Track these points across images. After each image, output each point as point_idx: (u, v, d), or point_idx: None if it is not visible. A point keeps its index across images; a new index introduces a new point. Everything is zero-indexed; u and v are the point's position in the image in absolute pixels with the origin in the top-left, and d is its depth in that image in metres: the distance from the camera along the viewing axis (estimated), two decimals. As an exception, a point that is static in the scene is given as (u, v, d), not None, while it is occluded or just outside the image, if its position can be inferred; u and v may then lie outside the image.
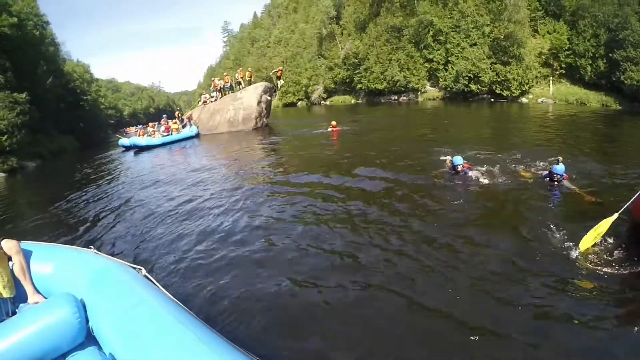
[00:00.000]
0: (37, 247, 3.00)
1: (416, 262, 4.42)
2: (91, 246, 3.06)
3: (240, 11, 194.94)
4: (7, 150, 21.07)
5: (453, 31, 29.84)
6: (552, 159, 6.88)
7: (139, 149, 19.59)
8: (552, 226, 4.84)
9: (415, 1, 33.37)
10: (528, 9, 26.44)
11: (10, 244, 2.74)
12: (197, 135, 21.03)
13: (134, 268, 2.79)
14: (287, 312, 3.76)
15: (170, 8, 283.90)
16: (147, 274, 2.74)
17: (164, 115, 24.37)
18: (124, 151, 21.03)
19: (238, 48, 69.12)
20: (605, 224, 4.30)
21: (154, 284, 2.59)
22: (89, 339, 2.42)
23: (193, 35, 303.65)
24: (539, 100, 24.52)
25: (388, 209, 6.21)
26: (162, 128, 21.33)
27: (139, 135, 21.97)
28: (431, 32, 31.34)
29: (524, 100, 25.55)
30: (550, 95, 24.51)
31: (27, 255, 2.84)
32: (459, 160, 7.32)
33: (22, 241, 2.91)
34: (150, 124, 25.79)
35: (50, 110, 30.29)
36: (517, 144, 11.08)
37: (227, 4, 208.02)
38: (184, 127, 21.71)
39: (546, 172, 6.76)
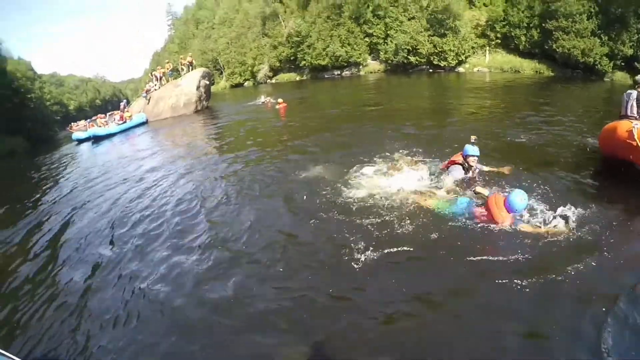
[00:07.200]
0: None
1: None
2: None
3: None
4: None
5: (392, 6, 30.19)
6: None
7: (96, 139, 20.15)
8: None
9: (356, -23, 33.17)
10: (465, -18, 26.86)
11: None
12: (147, 122, 22.66)
13: None
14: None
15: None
16: None
17: (124, 100, 26.11)
18: (77, 144, 20.82)
19: (183, 31, 65.18)
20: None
21: None
22: None
23: (136, 20, 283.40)
24: (475, 69, 25.52)
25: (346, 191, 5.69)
26: (117, 117, 22.56)
27: (89, 128, 22.84)
28: (370, 8, 31.54)
29: (460, 69, 26.53)
30: (485, 64, 25.40)
31: None
32: (473, 150, 5.23)
33: None
34: (99, 115, 26.93)
35: (-3, 112, 28.98)
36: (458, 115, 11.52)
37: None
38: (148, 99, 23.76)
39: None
